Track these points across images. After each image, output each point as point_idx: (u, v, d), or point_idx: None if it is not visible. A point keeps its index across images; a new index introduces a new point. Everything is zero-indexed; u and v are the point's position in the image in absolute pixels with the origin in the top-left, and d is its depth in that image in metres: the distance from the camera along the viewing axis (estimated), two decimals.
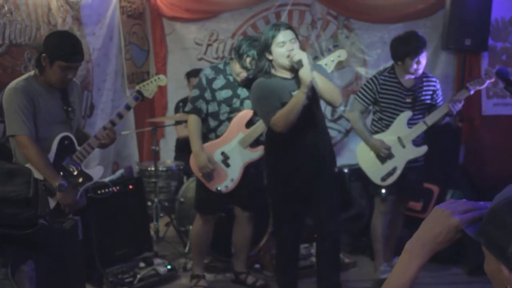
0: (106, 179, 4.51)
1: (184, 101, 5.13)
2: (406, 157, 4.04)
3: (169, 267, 4.35)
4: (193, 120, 3.92)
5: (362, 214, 4.92)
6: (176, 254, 4.79)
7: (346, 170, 5.06)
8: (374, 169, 4.09)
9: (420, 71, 3.98)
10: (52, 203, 3.08)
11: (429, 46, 5.36)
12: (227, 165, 3.96)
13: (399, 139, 4.04)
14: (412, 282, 1.27)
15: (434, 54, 5.49)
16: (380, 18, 5.59)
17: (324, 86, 3.43)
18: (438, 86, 4.14)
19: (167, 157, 5.92)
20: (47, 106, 3.15)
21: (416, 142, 4.07)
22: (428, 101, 4.08)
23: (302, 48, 3.59)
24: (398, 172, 4.04)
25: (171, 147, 5.95)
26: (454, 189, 4.87)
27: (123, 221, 4.44)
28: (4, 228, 2.57)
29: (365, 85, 4.13)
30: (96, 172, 3.37)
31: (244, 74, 3.84)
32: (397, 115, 4.04)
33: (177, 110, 5.54)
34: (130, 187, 4.58)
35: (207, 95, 3.90)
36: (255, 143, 3.98)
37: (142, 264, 4.32)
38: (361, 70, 5.68)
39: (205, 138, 3.96)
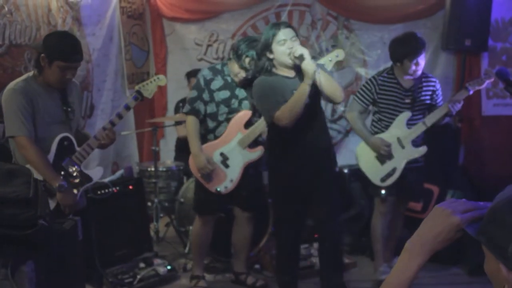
0: (106, 180, 4.51)
1: (184, 101, 5.11)
2: (405, 157, 4.04)
3: (169, 267, 4.35)
4: (191, 121, 3.91)
5: (362, 214, 4.92)
6: (176, 255, 4.78)
7: (346, 171, 5.06)
8: (373, 170, 4.09)
9: (419, 73, 3.97)
10: (52, 204, 3.08)
11: (429, 47, 5.38)
12: (226, 166, 3.96)
13: (399, 139, 4.04)
14: (412, 281, 1.27)
15: (434, 55, 5.50)
16: (380, 18, 5.60)
17: (326, 81, 3.44)
18: (438, 86, 4.13)
19: (167, 157, 5.92)
20: (46, 106, 3.14)
21: (416, 143, 4.07)
22: (428, 101, 4.08)
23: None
24: (397, 173, 4.03)
25: (171, 147, 5.95)
26: (454, 189, 4.87)
27: (123, 222, 4.43)
28: (4, 228, 2.57)
29: (363, 85, 4.13)
30: (95, 172, 3.37)
31: (242, 74, 3.84)
32: (396, 115, 4.03)
33: (177, 110, 5.54)
34: (130, 187, 4.58)
35: (205, 96, 3.90)
36: (254, 144, 3.98)
37: (142, 265, 4.31)
38: (361, 71, 5.68)
39: (203, 139, 3.96)
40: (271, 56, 3.49)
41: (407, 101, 4.02)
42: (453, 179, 5.03)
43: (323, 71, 3.44)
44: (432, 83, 4.10)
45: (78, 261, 3.26)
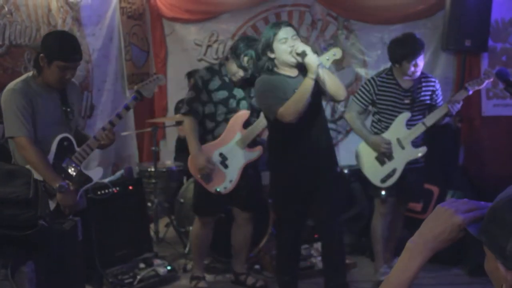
0: (106, 180, 4.50)
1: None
2: (405, 158, 4.03)
3: (169, 268, 4.35)
4: (190, 122, 3.91)
5: (362, 214, 4.91)
6: (176, 255, 4.78)
7: (346, 171, 5.06)
8: (373, 171, 4.08)
9: (418, 74, 3.97)
10: (52, 205, 3.08)
11: (429, 47, 5.38)
12: (226, 166, 3.95)
13: (398, 140, 4.03)
14: (412, 281, 1.27)
15: (434, 55, 5.49)
16: (380, 19, 5.59)
17: (329, 78, 3.44)
18: (438, 86, 4.13)
19: (167, 158, 5.92)
20: (46, 107, 3.13)
21: (416, 143, 4.06)
22: (428, 102, 4.07)
23: None
24: (397, 174, 4.03)
25: (171, 148, 5.95)
26: (454, 189, 4.87)
27: (123, 222, 4.43)
28: (4, 229, 2.57)
29: (362, 86, 4.13)
30: (95, 173, 3.36)
31: (240, 74, 3.83)
32: (396, 116, 4.02)
33: (177, 110, 5.53)
34: (130, 188, 4.58)
35: (203, 96, 3.90)
36: (252, 144, 3.97)
37: (142, 265, 4.31)
38: (361, 71, 5.68)
39: (202, 139, 3.94)
40: (272, 56, 3.48)
41: (407, 101, 4.01)
42: (453, 180, 5.03)
43: (324, 69, 3.44)
44: (432, 83, 4.10)
45: (78, 261, 3.27)
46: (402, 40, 4.00)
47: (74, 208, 3.16)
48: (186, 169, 4.89)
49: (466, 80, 4.71)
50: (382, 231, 4.15)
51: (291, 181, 3.59)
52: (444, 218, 1.24)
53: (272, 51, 3.47)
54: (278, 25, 3.51)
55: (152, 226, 4.99)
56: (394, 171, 4.03)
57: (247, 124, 3.95)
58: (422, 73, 4.03)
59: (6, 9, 4.01)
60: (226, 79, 3.93)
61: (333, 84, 3.45)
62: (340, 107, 5.73)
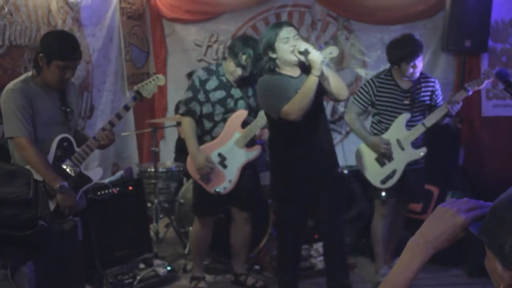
0: (106, 181, 4.50)
1: None
2: (405, 159, 4.03)
3: (169, 268, 4.35)
4: (188, 122, 3.91)
5: (362, 215, 4.91)
6: (176, 255, 4.78)
7: (346, 171, 5.06)
8: (373, 172, 4.07)
9: (417, 75, 3.95)
10: (52, 205, 3.07)
11: (429, 48, 5.39)
12: (224, 166, 3.95)
13: (398, 141, 4.02)
14: (413, 280, 1.26)
15: (434, 56, 5.50)
16: (380, 19, 5.60)
17: (333, 76, 3.44)
18: (437, 86, 4.12)
19: (167, 158, 5.92)
20: (46, 107, 3.12)
21: (416, 144, 4.05)
22: (427, 102, 4.07)
23: None
24: (397, 175, 4.02)
25: (171, 148, 5.95)
26: (454, 190, 4.87)
27: (123, 222, 4.43)
28: (4, 229, 2.58)
29: (361, 87, 4.12)
30: (95, 173, 3.35)
31: (238, 72, 3.83)
32: (396, 117, 4.02)
33: (177, 111, 5.52)
34: (130, 188, 4.58)
35: (201, 96, 3.90)
36: (250, 143, 3.97)
37: (142, 265, 4.31)
38: (361, 72, 5.68)
39: (200, 140, 3.94)
40: (273, 56, 3.48)
41: (406, 102, 4.01)
42: (453, 180, 5.03)
43: (328, 67, 3.43)
44: (431, 83, 4.09)
45: (78, 261, 3.27)
46: (401, 41, 3.99)
47: (74, 208, 3.15)
48: (186, 169, 4.90)
49: (466, 81, 4.72)
50: (382, 233, 4.15)
51: (292, 181, 3.59)
52: (446, 218, 1.24)
53: (273, 51, 3.47)
54: (279, 25, 3.52)
55: (152, 226, 4.99)
56: (394, 172, 4.03)
57: (245, 123, 3.95)
58: (421, 73, 4.02)
59: (6, 9, 4.01)
60: (224, 79, 3.93)
61: (337, 82, 3.46)
62: (340, 108, 5.74)
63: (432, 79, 4.13)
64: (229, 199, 4.04)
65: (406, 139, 4.01)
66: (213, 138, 3.95)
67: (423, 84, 4.05)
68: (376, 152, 4.05)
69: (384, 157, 4.02)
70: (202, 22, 5.96)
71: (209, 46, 5.96)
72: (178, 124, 5.36)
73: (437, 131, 4.26)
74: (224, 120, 3.92)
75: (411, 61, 3.86)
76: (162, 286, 4.26)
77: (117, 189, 4.42)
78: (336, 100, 3.71)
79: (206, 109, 3.92)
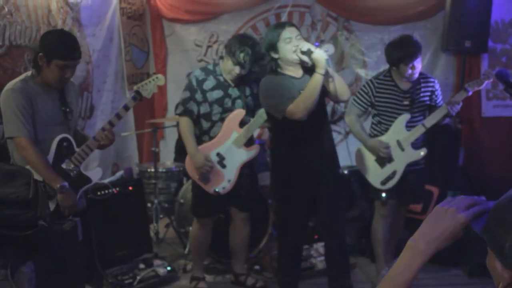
0: (106, 181, 4.51)
1: None
2: (405, 160, 4.02)
3: (168, 268, 4.35)
4: (185, 122, 3.91)
5: (363, 215, 4.91)
6: (175, 256, 4.79)
7: (346, 172, 5.05)
8: (373, 173, 4.07)
9: (416, 76, 3.95)
10: (52, 205, 3.07)
11: (429, 48, 5.39)
12: (223, 166, 3.95)
13: (398, 142, 4.02)
14: (413, 280, 1.26)
15: (434, 56, 5.50)
16: (380, 19, 5.60)
17: (336, 75, 3.44)
18: (437, 86, 4.11)
19: (167, 158, 5.92)
20: (45, 107, 3.12)
21: (416, 145, 4.04)
22: (427, 102, 4.06)
23: None
24: (398, 176, 4.01)
25: (171, 148, 5.95)
26: (454, 190, 4.86)
27: (123, 223, 4.43)
28: (4, 229, 2.57)
29: (361, 89, 4.12)
30: (95, 173, 3.35)
31: (236, 71, 3.82)
32: (395, 118, 4.01)
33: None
34: (130, 188, 4.58)
35: (198, 96, 3.89)
36: (249, 142, 3.97)
37: (142, 266, 4.31)
38: (361, 72, 5.69)
39: (198, 140, 3.93)
40: (276, 56, 3.48)
41: (406, 103, 4.00)
42: (453, 180, 5.03)
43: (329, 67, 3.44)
44: (431, 84, 4.09)
45: (78, 262, 3.27)
46: (399, 42, 3.98)
47: (74, 208, 3.15)
48: (186, 169, 4.90)
49: (466, 81, 4.72)
50: (383, 234, 4.14)
51: (294, 182, 3.59)
52: (446, 218, 1.24)
53: (276, 51, 3.47)
54: (282, 25, 3.52)
55: (152, 226, 4.99)
56: (394, 173, 4.02)
57: (243, 123, 3.94)
58: (421, 73, 4.02)
59: (6, 9, 4.01)
60: (221, 79, 3.93)
61: (340, 82, 3.46)
62: (340, 108, 5.74)
63: (432, 79, 4.13)
64: (228, 199, 4.04)
65: (406, 140, 4.00)
66: (211, 138, 3.95)
67: (422, 85, 4.05)
68: (375, 154, 4.05)
69: (384, 158, 4.02)
70: (202, 23, 5.96)
71: (209, 46, 5.96)
72: (178, 124, 5.37)
73: (437, 132, 4.26)
74: (222, 119, 3.92)
75: (410, 62, 3.86)
76: (162, 286, 4.26)
77: (117, 189, 4.42)
78: (337, 101, 3.71)
79: (204, 109, 3.91)
